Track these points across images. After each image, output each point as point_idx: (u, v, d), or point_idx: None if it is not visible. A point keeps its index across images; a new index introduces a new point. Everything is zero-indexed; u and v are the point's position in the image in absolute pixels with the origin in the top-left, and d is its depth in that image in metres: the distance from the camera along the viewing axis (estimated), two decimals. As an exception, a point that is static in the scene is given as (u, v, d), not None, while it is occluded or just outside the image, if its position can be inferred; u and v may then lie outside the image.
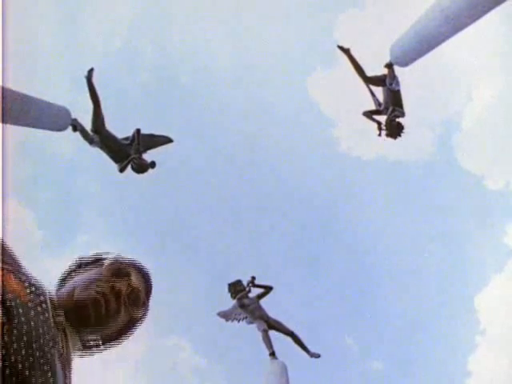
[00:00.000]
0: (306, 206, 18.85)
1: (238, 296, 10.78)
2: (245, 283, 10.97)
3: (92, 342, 1.31)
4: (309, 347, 10.52)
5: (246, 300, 10.77)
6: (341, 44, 9.53)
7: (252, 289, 10.94)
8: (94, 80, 9.02)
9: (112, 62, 16.69)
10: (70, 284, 1.30)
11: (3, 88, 6.30)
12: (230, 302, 11.01)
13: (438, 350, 16.28)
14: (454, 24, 6.52)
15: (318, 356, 10.52)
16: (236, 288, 10.94)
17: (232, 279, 11.12)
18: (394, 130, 9.83)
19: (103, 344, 1.35)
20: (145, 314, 1.41)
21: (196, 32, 17.22)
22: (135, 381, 16.78)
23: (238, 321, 10.80)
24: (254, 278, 10.97)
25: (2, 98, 6.06)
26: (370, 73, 9.48)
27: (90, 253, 1.41)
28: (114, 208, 17.12)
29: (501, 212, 16.72)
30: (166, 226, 17.84)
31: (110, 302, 1.25)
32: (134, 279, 1.35)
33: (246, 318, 10.67)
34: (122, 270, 1.34)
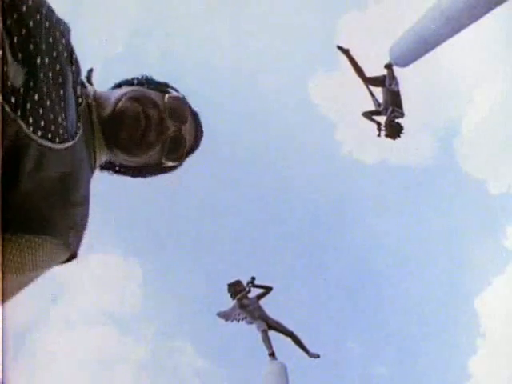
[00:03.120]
0: (308, 207, 18.83)
1: (238, 296, 10.80)
2: (245, 284, 11.00)
3: (114, 162, 1.17)
4: (309, 348, 10.53)
5: (245, 300, 10.79)
6: (341, 45, 9.57)
7: (252, 289, 10.96)
8: (94, 81, 9.04)
9: (113, 62, 16.70)
10: (122, 90, 1.15)
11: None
12: (230, 303, 11.03)
13: (438, 353, 16.29)
14: (454, 25, 6.53)
15: (317, 356, 10.53)
16: (236, 288, 10.96)
17: (232, 280, 11.13)
18: (394, 130, 9.88)
19: (119, 170, 1.23)
20: (174, 168, 1.28)
21: (196, 34, 17.23)
22: (137, 383, 16.78)
23: (238, 321, 10.82)
24: (253, 278, 11.00)
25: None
26: (369, 73, 9.50)
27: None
28: (116, 209, 17.14)
29: (502, 215, 16.73)
30: (165, 226, 17.85)
31: (151, 130, 1.11)
32: (186, 129, 1.21)
33: (246, 318, 10.69)
34: (182, 111, 1.20)
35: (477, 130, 16.98)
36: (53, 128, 0.91)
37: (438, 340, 16.82)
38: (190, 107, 1.25)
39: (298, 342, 10.44)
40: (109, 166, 1.19)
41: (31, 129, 0.86)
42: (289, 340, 10.45)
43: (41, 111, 0.88)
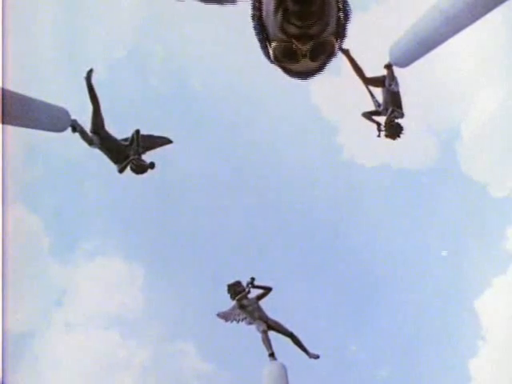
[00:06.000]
0: (309, 209, 18.82)
1: (238, 297, 10.79)
2: (244, 284, 10.99)
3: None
4: (310, 350, 10.52)
5: (245, 301, 10.78)
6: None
7: (252, 290, 10.95)
8: (96, 81, 9.04)
9: (114, 64, 16.70)
10: None
11: (3, 89, 6.30)
12: (229, 303, 11.04)
13: (439, 356, 16.29)
14: (454, 25, 6.52)
15: (317, 357, 10.52)
16: (235, 289, 10.95)
17: (231, 280, 11.13)
18: (394, 130, 9.87)
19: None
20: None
21: (198, 37, 17.24)
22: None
23: (238, 321, 10.81)
24: (253, 278, 10.98)
25: (2, 99, 6.06)
26: (369, 73, 9.49)
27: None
28: (117, 210, 17.13)
29: (502, 218, 16.70)
30: (165, 230, 17.83)
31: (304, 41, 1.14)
32: (305, 63, 1.23)
33: (246, 318, 10.68)
34: (325, 54, 1.23)
35: (479, 133, 16.94)
36: None
37: (439, 342, 16.81)
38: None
39: (297, 342, 10.43)
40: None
41: None
42: (289, 340, 10.46)
43: None
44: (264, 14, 1.19)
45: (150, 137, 9.88)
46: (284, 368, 9.47)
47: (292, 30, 1.12)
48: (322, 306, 17.85)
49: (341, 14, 1.19)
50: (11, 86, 6.63)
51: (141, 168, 9.62)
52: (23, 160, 14.32)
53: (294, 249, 18.87)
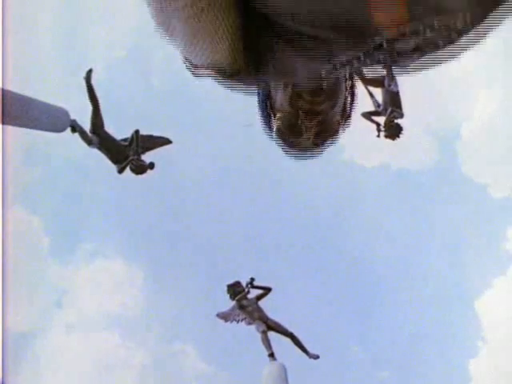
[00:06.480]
0: (309, 211, 18.83)
1: (237, 297, 10.77)
2: (244, 284, 10.97)
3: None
4: (310, 350, 10.51)
5: (244, 301, 10.76)
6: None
7: (251, 290, 10.93)
8: (96, 81, 9.05)
9: (114, 64, 16.69)
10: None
11: (3, 89, 6.30)
12: (229, 303, 11.02)
13: (440, 356, 16.29)
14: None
15: (316, 357, 10.50)
16: (235, 289, 10.93)
17: (231, 280, 11.12)
18: (393, 131, 9.86)
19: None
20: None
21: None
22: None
23: (237, 322, 10.79)
24: (253, 279, 10.96)
25: (2, 99, 6.06)
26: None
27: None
28: (117, 211, 17.13)
29: (503, 218, 16.70)
30: (164, 227, 17.82)
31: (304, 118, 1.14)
32: (307, 140, 1.22)
33: (245, 319, 10.66)
34: (328, 134, 1.22)
35: (479, 133, 16.93)
36: None
37: (440, 342, 16.83)
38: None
39: (297, 342, 10.41)
40: None
41: None
42: (289, 340, 10.44)
43: None
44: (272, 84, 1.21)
45: (150, 137, 9.87)
46: (284, 368, 9.46)
47: (301, 104, 1.14)
48: (322, 305, 17.85)
49: (348, 96, 1.21)
50: (11, 86, 6.63)
51: (140, 168, 9.62)
52: (23, 160, 14.31)
53: (294, 249, 18.88)
